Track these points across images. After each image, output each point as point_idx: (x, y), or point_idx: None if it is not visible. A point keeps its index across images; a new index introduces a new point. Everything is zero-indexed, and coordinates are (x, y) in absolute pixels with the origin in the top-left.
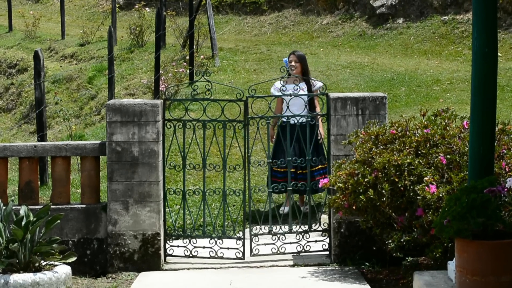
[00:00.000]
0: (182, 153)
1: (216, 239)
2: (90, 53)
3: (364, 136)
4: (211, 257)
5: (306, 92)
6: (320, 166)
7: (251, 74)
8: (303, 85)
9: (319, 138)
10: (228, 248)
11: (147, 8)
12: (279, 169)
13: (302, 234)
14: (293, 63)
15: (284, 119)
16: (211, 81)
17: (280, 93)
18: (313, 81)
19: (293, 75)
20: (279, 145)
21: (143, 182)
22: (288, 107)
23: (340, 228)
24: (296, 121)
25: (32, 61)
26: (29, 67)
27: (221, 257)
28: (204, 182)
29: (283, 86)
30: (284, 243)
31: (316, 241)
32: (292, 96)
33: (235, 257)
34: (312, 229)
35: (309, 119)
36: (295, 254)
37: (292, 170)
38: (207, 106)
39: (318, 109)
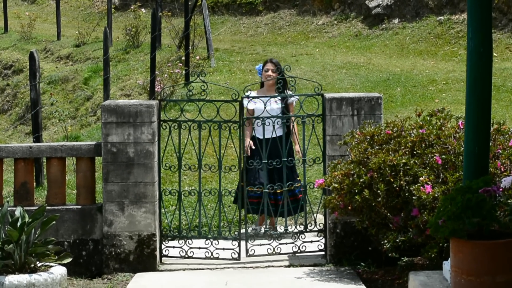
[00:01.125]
0: (178, 154)
1: (211, 240)
2: (86, 54)
3: (359, 137)
4: (206, 257)
5: (282, 105)
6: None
7: (247, 75)
8: (278, 103)
9: (294, 156)
10: (223, 249)
11: (142, 9)
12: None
13: (298, 234)
14: (270, 73)
15: (259, 136)
16: (207, 81)
17: (253, 105)
18: (288, 93)
19: (269, 92)
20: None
21: (138, 183)
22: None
23: (336, 229)
24: (275, 135)
25: (27, 62)
26: (24, 68)
27: (217, 258)
28: (199, 182)
29: (256, 102)
30: (280, 244)
31: (311, 241)
32: (271, 119)
33: (230, 257)
34: (307, 230)
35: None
36: (290, 255)
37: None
38: (203, 106)
39: (292, 119)
